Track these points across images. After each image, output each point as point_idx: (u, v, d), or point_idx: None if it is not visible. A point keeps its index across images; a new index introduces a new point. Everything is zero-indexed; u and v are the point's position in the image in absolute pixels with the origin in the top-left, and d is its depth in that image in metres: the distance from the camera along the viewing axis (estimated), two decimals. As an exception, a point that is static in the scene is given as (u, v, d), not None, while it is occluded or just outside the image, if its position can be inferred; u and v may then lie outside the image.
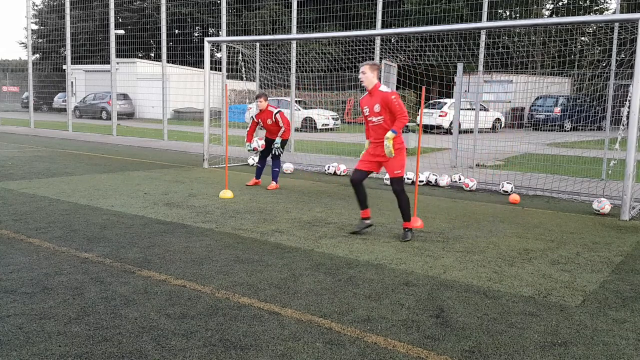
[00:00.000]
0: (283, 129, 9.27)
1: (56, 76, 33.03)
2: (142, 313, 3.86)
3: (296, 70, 15.64)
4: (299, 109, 22.18)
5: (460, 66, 12.52)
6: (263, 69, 14.80)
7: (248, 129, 9.47)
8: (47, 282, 4.43)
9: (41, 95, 33.97)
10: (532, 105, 19.42)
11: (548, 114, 19.62)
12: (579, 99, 15.57)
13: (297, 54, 15.72)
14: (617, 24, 10.58)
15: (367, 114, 6.18)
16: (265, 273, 4.82)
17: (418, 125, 11.09)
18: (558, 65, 18.02)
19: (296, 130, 17.46)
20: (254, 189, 9.34)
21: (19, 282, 4.43)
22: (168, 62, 19.04)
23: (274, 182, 9.52)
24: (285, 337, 3.56)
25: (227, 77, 15.58)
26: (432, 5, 21.98)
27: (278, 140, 9.32)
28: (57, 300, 4.07)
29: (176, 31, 30.18)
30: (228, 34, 17.69)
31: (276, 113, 9.30)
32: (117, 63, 21.70)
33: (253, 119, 9.53)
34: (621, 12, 11.96)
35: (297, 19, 15.66)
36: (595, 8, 31.08)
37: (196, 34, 38.64)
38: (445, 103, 21.97)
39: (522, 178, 10.77)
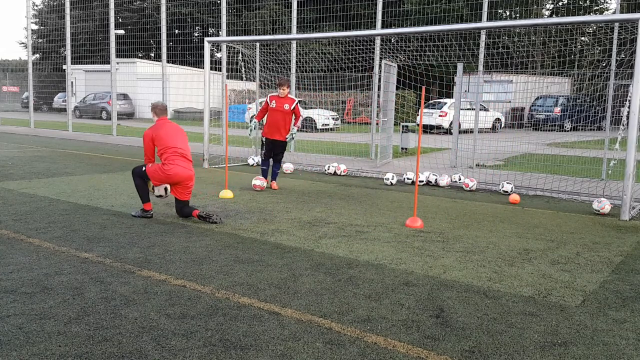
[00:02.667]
0: (302, 118, 9.34)
1: (56, 76, 33.03)
2: (142, 313, 3.86)
3: (296, 70, 15.64)
4: (299, 109, 22.13)
5: (460, 66, 12.52)
6: (263, 69, 14.80)
7: (261, 107, 9.43)
8: (47, 282, 4.43)
9: (41, 95, 33.97)
10: (532, 105, 19.43)
11: (548, 114, 19.63)
12: (579, 99, 15.57)
13: (297, 54, 15.72)
14: (617, 24, 10.57)
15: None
16: (265, 273, 4.82)
17: (418, 125, 11.09)
18: (558, 65, 18.03)
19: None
20: (254, 190, 9.33)
21: (19, 282, 4.43)
22: (168, 62, 19.03)
23: (275, 182, 9.48)
24: (285, 337, 3.56)
25: (227, 77, 15.57)
26: (432, 5, 21.99)
27: (294, 129, 9.36)
28: (57, 300, 4.07)
29: (176, 31, 30.18)
30: (228, 34, 17.68)
31: (297, 102, 9.27)
32: (117, 63, 21.69)
33: (267, 99, 9.31)
34: (621, 12, 11.96)
35: (297, 19, 15.65)
36: (595, 8, 31.08)
37: (196, 34, 38.64)
38: (445, 103, 21.97)
39: (522, 178, 10.77)
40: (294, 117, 9.36)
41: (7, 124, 25.34)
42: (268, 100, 9.24)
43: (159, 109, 7.14)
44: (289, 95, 9.26)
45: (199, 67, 19.42)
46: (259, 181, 9.16)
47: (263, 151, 9.50)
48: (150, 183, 6.94)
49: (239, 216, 7.11)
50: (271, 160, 9.53)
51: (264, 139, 9.43)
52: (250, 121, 9.77)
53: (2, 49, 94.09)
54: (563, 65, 17.38)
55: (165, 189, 6.83)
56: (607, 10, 31.21)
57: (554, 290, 4.57)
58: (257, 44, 14.08)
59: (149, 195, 6.96)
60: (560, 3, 33.63)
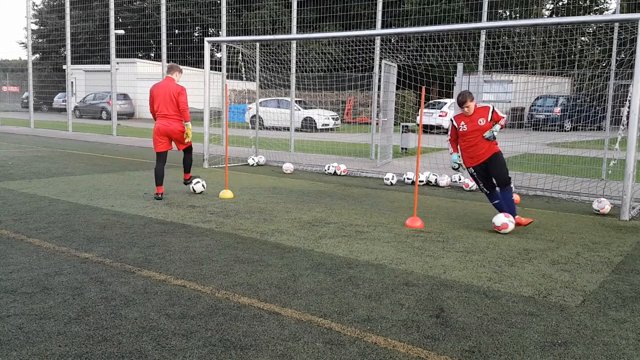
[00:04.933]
0: (504, 117, 6.83)
1: (56, 76, 33.03)
2: (142, 313, 3.86)
3: (296, 70, 15.64)
4: (299, 109, 22.18)
5: (460, 66, 12.51)
6: (263, 69, 14.80)
7: (449, 136, 7.17)
8: (47, 282, 4.43)
9: (41, 95, 33.97)
10: (532, 105, 19.43)
11: (548, 114, 19.63)
12: (579, 99, 15.57)
13: (297, 54, 15.72)
14: (617, 24, 10.58)
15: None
16: (265, 273, 4.82)
17: (418, 125, 11.07)
18: (558, 65, 18.02)
19: (296, 130, 17.47)
20: (254, 189, 9.34)
21: (19, 282, 4.43)
22: (168, 62, 19.02)
23: (517, 217, 6.78)
24: (285, 337, 3.55)
25: (227, 77, 15.58)
26: (432, 5, 21.99)
27: (497, 127, 6.74)
28: (57, 300, 4.07)
29: (176, 31, 30.16)
30: (228, 34, 17.69)
31: (493, 109, 6.83)
32: (117, 63, 21.69)
33: (452, 121, 6.99)
34: (621, 12, 11.96)
35: (297, 19, 15.66)
36: (595, 8, 31.09)
37: (196, 34, 38.64)
38: (445, 103, 21.98)
39: (522, 178, 10.77)
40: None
41: (7, 124, 25.34)
42: (455, 124, 6.92)
43: (167, 67, 8.53)
44: (477, 106, 6.89)
45: (199, 67, 19.39)
46: (508, 221, 6.61)
47: (480, 185, 7.02)
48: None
49: (239, 216, 7.11)
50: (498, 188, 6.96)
51: (471, 170, 7.01)
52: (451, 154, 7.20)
53: (2, 49, 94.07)
54: (563, 65, 17.37)
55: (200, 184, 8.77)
56: (607, 10, 31.22)
57: (554, 290, 4.57)
58: (257, 44, 14.09)
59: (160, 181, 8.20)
60: (560, 3, 33.64)
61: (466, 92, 6.80)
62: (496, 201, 6.93)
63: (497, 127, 6.74)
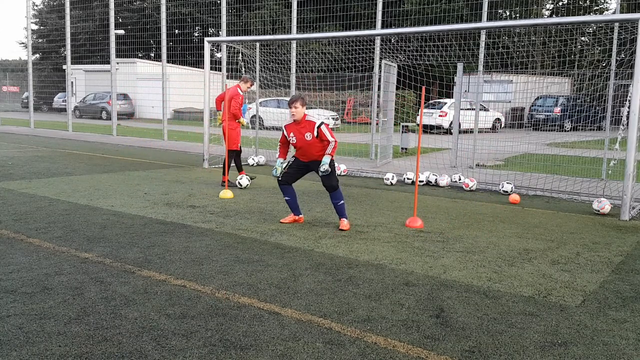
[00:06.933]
0: (333, 142, 6.54)
1: (56, 76, 33.03)
2: (142, 313, 3.86)
3: (296, 70, 15.63)
4: (299, 109, 22.13)
5: (460, 66, 12.52)
6: (263, 69, 14.79)
7: (279, 142, 6.92)
8: (47, 282, 4.43)
9: (41, 95, 33.96)
10: (532, 105, 19.43)
11: (548, 114, 19.63)
12: (579, 99, 15.57)
13: (297, 54, 15.71)
14: (617, 24, 10.57)
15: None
16: (265, 273, 4.82)
17: (418, 125, 11.07)
18: (558, 65, 18.02)
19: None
20: (254, 189, 9.34)
21: (19, 282, 4.43)
22: (168, 62, 19.03)
23: (345, 219, 6.71)
24: (285, 337, 3.56)
25: (227, 77, 15.57)
26: (432, 5, 21.98)
27: (327, 159, 6.50)
28: (57, 300, 4.07)
29: (176, 31, 30.18)
30: (228, 34, 17.68)
31: (319, 125, 6.52)
32: (117, 63, 21.69)
33: (283, 131, 6.78)
34: (621, 12, 11.96)
35: (297, 19, 15.66)
36: (595, 8, 31.09)
37: (196, 34, 38.65)
38: (445, 103, 21.98)
39: (522, 178, 10.77)
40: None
41: (7, 124, 25.33)
42: (285, 134, 6.77)
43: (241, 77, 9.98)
44: (307, 118, 6.59)
45: (199, 67, 19.41)
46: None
47: (285, 172, 6.85)
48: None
49: (239, 216, 7.11)
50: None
51: (292, 159, 6.97)
52: None
53: (2, 49, 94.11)
54: (563, 65, 17.36)
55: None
56: (607, 10, 31.22)
57: (554, 290, 4.57)
58: (257, 44, 14.08)
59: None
60: (560, 3, 33.63)
61: (299, 95, 6.65)
62: (286, 198, 6.84)
63: (327, 159, 6.47)
